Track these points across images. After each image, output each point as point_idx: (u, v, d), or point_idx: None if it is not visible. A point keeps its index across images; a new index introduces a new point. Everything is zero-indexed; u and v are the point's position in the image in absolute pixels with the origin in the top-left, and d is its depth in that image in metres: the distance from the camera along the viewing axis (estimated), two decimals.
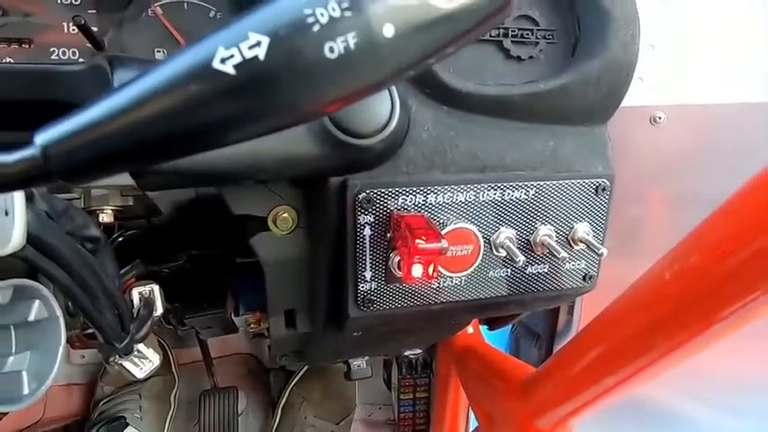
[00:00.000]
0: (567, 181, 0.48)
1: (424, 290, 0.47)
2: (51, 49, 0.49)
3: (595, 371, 0.45)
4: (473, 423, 0.89)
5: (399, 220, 0.43)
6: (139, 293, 0.55)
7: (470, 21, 0.20)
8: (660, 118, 0.64)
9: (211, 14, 0.53)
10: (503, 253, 0.48)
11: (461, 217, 0.46)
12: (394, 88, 0.41)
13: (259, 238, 0.48)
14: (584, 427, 0.52)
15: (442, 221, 0.46)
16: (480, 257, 0.47)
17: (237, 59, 0.19)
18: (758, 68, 0.64)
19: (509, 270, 0.49)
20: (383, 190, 0.43)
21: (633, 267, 0.43)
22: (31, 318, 0.45)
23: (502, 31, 0.48)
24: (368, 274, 0.45)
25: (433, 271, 0.40)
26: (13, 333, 0.45)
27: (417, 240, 0.39)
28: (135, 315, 0.54)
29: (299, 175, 0.45)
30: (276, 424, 1.12)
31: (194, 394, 1.10)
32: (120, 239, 0.65)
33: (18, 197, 0.36)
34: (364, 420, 1.21)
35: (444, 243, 0.39)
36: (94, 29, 0.48)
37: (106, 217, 0.55)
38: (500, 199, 0.47)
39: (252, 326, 0.73)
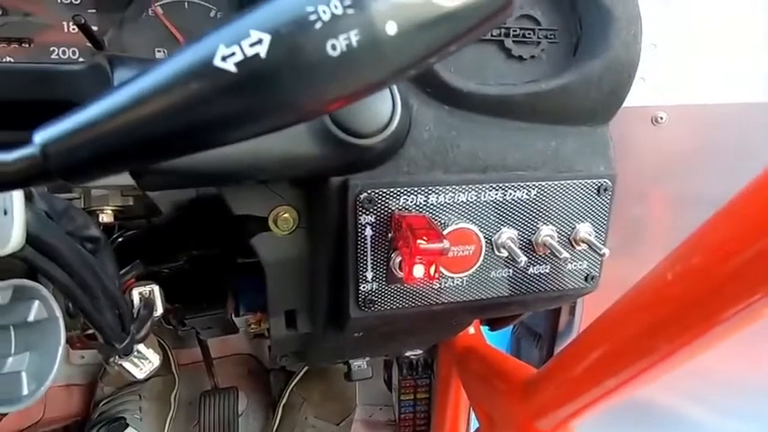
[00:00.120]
0: (568, 181, 0.48)
1: (426, 290, 0.47)
2: (51, 49, 0.49)
3: (597, 372, 0.45)
4: (474, 424, 0.89)
5: (401, 221, 0.42)
6: (139, 294, 0.55)
7: (473, 19, 0.20)
8: (662, 118, 0.64)
9: (212, 14, 0.52)
10: (504, 253, 0.47)
11: (463, 217, 0.46)
12: (395, 88, 0.41)
13: (260, 239, 0.47)
14: (585, 428, 0.52)
15: (443, 222, 0.45)
16: (482, 258, 0.47)
17: (239, 57, 0.18)
18: (760, 69, 0.64)
19: (510, 270, 0.49)
20: (384, 190, 0.43)
21: (635, 268, 0.43)
22: (31, 318, 0.44)
23: (503, 30, 0.48)
24: (369, 275, 0.45)
25: (435, 271, 0.40)
26: (12, 333, 0.45)
27: (419, 241, 0.38)
28: (135, 315, 0.54)
29: (299, 175, 0.45)
30: (276, 424, 1.12)
31: (194, 395, 1.10)
32: (121, 240, 0.65)
33: (17, 197, 0.35)
34: (365, 421, 1.21)
35: (446, 243, 0.39)
36: (95, 28, 0.48)
37: (106, 217, 0.55)
38: (501, 199, 0.47)
39: (252, 326, 0.73)
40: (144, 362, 0.56)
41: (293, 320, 0.54)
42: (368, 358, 0.72)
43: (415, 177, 0.44)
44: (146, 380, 0.58)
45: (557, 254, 0.47)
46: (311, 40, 0.18)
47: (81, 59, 0.50)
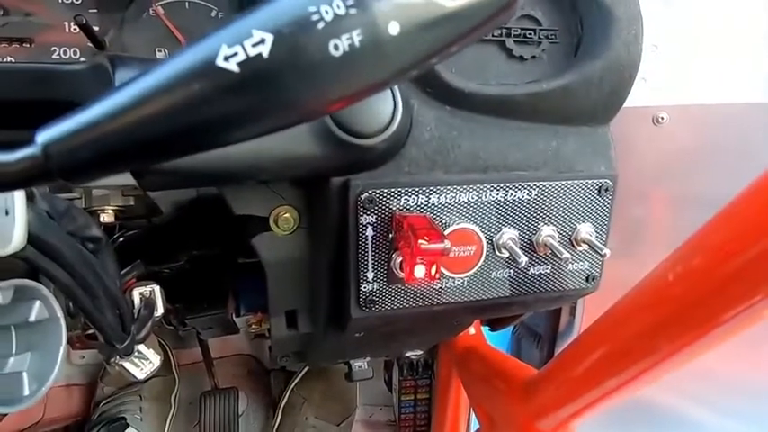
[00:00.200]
0: (569, 181, 0.48)
1: (427, 291, 0.47)
2: (52, 49, 0.49)
3: (597, 373, 0.45)
4: (474, 424, 0.89)
5: (402, 221, 0.42)
6: (140, 294, 0.55)
7: (475, 19, 0.20)
8: (663, 118, 0.64)
9: (213, 14, 0.53)
10: (505, 254, 0.47)
11: (464, 217, 0.46)
12: (396, 88, 0.41)
13: (260, 239, 0.47)
14: (585, 428, 0.52)
15: (444, 222, 0.45)
16: (483, 258, 0.47)
17: (241, 57, 0.18)
18: (760, 69, 0.64)
19: (511, 271, 0.49)
20: (385, 190, 0.43)
21: (636, 268, 0.43)
22: (32, 318, 0.44)
23: (504, 30, 0.48)
24: (370, 275, 0.45)
25: (436, 272, 0.40)
26: (13, 334, 0.45)
27: (420, 241, 0.38)
28: (136, 316, 0.54)
29: (300, 175, 0.45)
30: (277, 425, 1.12)
31: (195, 395, 1.10)
32: (121, 239, 0.65)
33: (19, 197, 0.35)
34: (365, 421, 1.21)
35: (447, 244, 0.39)
36: (96, 28, 0.48)
37: (107, 217, 0.55)
38: (503, 199, 0.47)
39: (253, 326, 0.73)
40: (144, 362, 0.56)
41: (294, 320, 0.54)
42: (368, 358, 0.72)
43: (416, 177, 0.44)
44: (146, 380, 0.58)
45: (557, 254, 0.47)
46: (314, 40, 0.18)
47: (82, 59, 0.50)
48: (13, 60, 0.48)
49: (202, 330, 0.85)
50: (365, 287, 0.45)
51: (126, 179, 0.36)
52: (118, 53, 0.48)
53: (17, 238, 0.35)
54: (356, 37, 0.18)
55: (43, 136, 0.21)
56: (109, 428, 0.99)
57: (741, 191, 0.33)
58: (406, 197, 0.44)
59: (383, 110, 0.40)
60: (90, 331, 0.53)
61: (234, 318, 0.74)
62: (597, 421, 0.49)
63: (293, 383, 1.14)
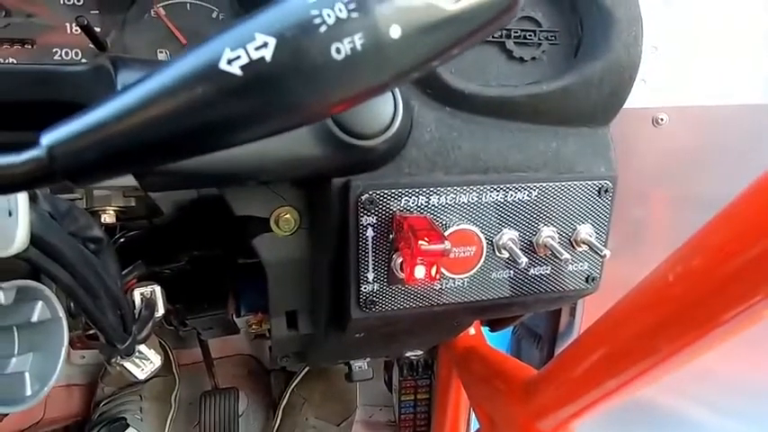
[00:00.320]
0: (569, 182, 0.48)
1: (427, 291, 0.47)
2: (54, 50, 0.49)
3: (598, 373, 0.45)
4: (474, 425, 0.89)
5: (402, 222, 0.43)
6: (141, 294, 0.55)
7: (476, 22, 0.20)
8: (663, 119, 0.64)
9: (214, 15, 0.53)
10: (505, 254, 0.48)
11: (464, 218, 0.46)
12: (397, 89, 0.41)
13: (261, 239, 0.47)
14: (585, 429, 0.52)
15: (444, 223, 0.46)
16: (483, 259, 0.47)
17: (244, 60, 0.19)
18: (760, 70, 0.64)
19: (511, 272, 0.49)
20: (386, 191, 0.43)
21: (636, 269, 0.43)
22: (34, 319, 0.45)
23: (504, 32, 0.48)
24: (370, 276, 0.45)
25: (436, 272, 0.40)
26: (16, 334, 0.45)
27: (420, 242, 0.38)
28: (137, 316, 0.54)
29: (301, 176, 0.45)
30: (277, 425, 1.12)
31: (195, 395, 1.10)
32: (122, 240, 0.65)
33: (22, 198, 0.36)
34: (365, 422, 1.21)
35: (447, 244, 0.39)
36: (97, 29, 0.48)
37: (108, 218, 0.55)
38: (503, 200, 0.47)
39: (253, 327, 0.74)
40: (145, 362, 0.57)
41: (294, 321, 0.54)
42: (368, 359, 0.72)
43: (416, 178, 0.45)
44: (146, 380, 0.58)
45: (557, 255, 0.47)
46: (316, 44, 0.18)
47: (84, 61, 0.50)
48: (15, 61, 0.49)
49: (203, 331, 0.85)
50: (365, 288, 0.45)
51: (127, 180, 0.36)
52: (119, 54, 0.48)
53: (20, 239, 0.35)
54: (358, 40, 0.19)
55: (48, 138, 0.21)
56: (109, 428, 0.99)
57: (741, 192, 0.33)
58: (407, 198, 0.44)
59: (384, 111, 0.40)
60: (91, 331, 0.53)
61: (234, 318, 0.74)
62: (597, 422, 0.49)
63: (293, 384, 1.14)
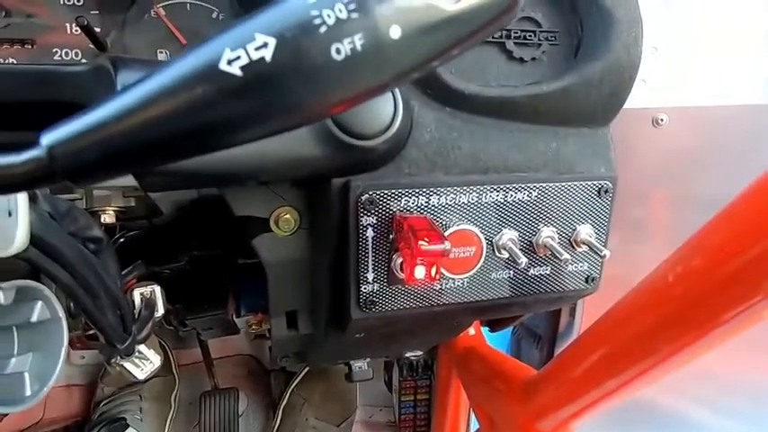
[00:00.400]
0: (569, 183, 0.48)
1: (427, 291, 0.47)
2: (54, 50, 0.49)
3: (597, 373, 0.45)
4: (474, 425, 0.89)
5: (402, 222, 0.43)
6: (141, 294, 0.55)
7: (476, 23, 0.20)
8: (663, 120, 0.64)
9: (214, 15, 0.53)
10: (505, 255, 0.48)
11: (464, 218, 0.46)
12: (397, 90, 0.41)
13: (261, 240, 0.47)
14: (585, 429, 0.52)
15: (444, 223, 0.46)
16: (483, 259, 0.47)
17: (244, 61, 0.19)
18: (760, 70, 0.64)
19: (511, 272, 0.49)
20: (386, 191, 0.43)
21: (635, 269, 0.43)
22: (34, 319, 0.45)
23: (504, 32, 0.48)
24: (370, 276, 0.45)
25: (436, 273, 0.40)
26: (15, 334, 0.45)
27: (420, 242, 0.38)
28: (136, 316, 0.54)
29: (301, 176, 0.45)
30: (277, 425, 1.12)
31: (195, 395, 1.10)
32: (122, 240, 0.65)
33: (21, 198, 0.36)
34: (365, 422, 1.21)
35: (447, 245, 0.39)
36: (97, 30, 0.48)
37: (108, 218, 0.55)
38: (503, 200, 0.47)
39: (253, 327, 0.74)
40: (145, 362, 0.57)
41: (294, 321, 0.54)
42: (368, 359, 0.72)
43: (416, 179, 0.45)
44: (146, 380, 0.58)
45: (557, 255, 0.47)
46: (316, 44, 0.18)
47: (84, 61, 0.50)
48: (15, 62, 0.49)
49: (203, 331, 0.85)
50: (365, 288, 0.45)
51: (127, 180, 0.36)
52: (119, 54, 0.48)
53: (20, 239, 0.35)
54: (358, 41, 0.19)
55: (48, 138, 0.21)
56: (109, 429, 0.99)
57: (741, 192, 0.33)
58: (407, 198, 0.44)
59: (384, 111, 0.40)
60: (91, 332, 0.53)
61: (234, 318, 0.74)
62: (597, 422, 0.49)
63: (293, 384, 1.14)
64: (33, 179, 0.21)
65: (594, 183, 0.49)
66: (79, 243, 0.44)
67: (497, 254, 0.48)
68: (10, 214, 0.35)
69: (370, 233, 0.44)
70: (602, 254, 0.48)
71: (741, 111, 0.65)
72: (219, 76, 0.19)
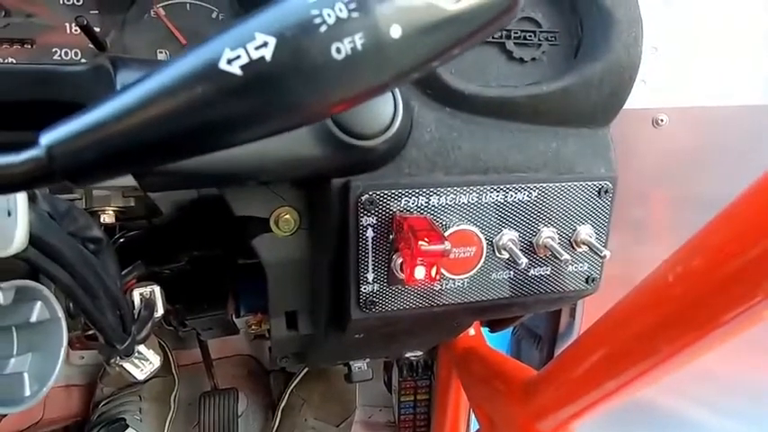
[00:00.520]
0: (569, 183, 0.48)
1: (427, 292, 0.47)
2: (53, 50, 0.49)
3: (597, 374, 0.45)
4: (474, 425, 0.89)
5: (402, 222, 0.42)
6: (140, 294, 0.55)
7: (477, 22, 0.20)
8: (663, 120, 0.64)
9: (213, 15, 0.53)
10: (505, 255, 0.48)
11: (464, 219, 0.46)
12: (397, 90, 0.41)
13: (261, 240, 0.47)
14: (585, 430, 0.52)
15: (444, 223, 0.46)
16: (483, 259, 0.47)
17: (244, 60, 0.19)
18: (760, 71, 0.64)
19: (511, 272, 0.49)
20: (386, 191, 0.43)
21: (635, 270, 0.43)
22: (33, 319, 0.45)
23: (504, 32, 0.48)
24: (370, 276, 0.45)
25: (436, 273, 0.40)
26: (14, 334, 0.45)
27: (420, 242, 0.38)
28: (136, 316, 0.54)
29: (301, 176, 0.45)
30: (276, 426, 1.12)
31: (194, 396, 1.09)
32: (122, 240, 0.65)
33: (21, 198, 0.36)
34: (364, 422, 1.21)
35: (447, 245, 0.39)
36: (97, 29, 0.48)
37: (107, 218, 0.55)
38: (503, 201, 0.47)
39: (253, 327, 0.73)
40: (144, 363, 0.57)
41: (294, 322, 0.54)
42: (368, 360, 0.72)
43: (416, 179, 0.45)
44: (146, 381, 0.58)
45: (557, 256, 0.47)
46: (316, 44, 0.18)
47: (83, 61, 0.50)
48: (15, 61, 0.48)
49: (202, 331, 0.85)
50: (365, 288, 0.45)
51: (127, 180, 0.36)
52: (119, 54, 0.48)
53: (19, 239, 0.35)
54: (358, 40, 0.18)
55: (47, 138, 0.21)
56: (108, 429, 0.98)
57: (741, 192, 0.33)
58: (407, 198, 0.44)
59: (384, 111, 0.40)
60: (90, 332, 0.53)
61: (234, 319, 0.74)
62: (597, 422, 0.49)
63: (293, 384, 1.14)
64: (32, 179, 0.21)
65: (594, 183, 0.49)
66: (79, 243, 0.44)
67: (497, 254, 0.48)
68: (9, 214, 0.35)
69: (370, 233, 0.44)
70: (602, 254, 0.48)
71: (741, 111, 0.65)
72: (219, 75, 0.19)
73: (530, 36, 0.49)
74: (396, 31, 0.19)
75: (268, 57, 0.19)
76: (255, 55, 0.19)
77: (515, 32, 0.48)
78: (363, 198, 0.43)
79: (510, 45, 0.48)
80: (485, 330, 0.80)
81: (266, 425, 1.17)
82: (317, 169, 0.42)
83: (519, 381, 0.58)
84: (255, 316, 0.72)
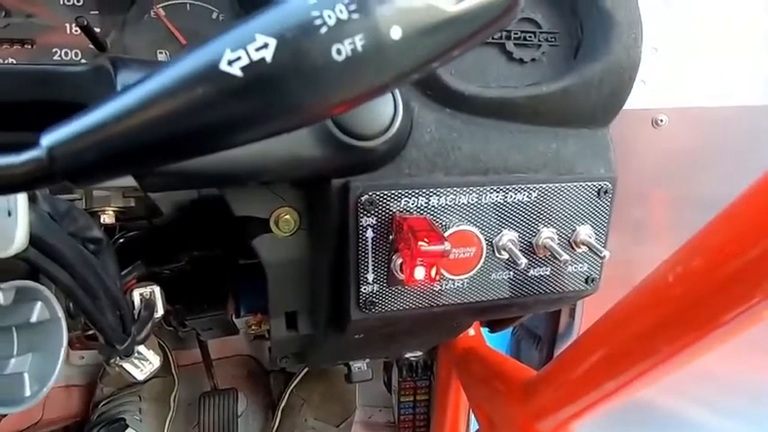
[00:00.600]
0: (569, 183, 0.48)
1: (426, 292, 0.47)
2: (54, 50, 0.49)
3: (597, 374, 0.45)
4: (474, 425, 0.89)
5: (402, 223, 0.43)
6: (140, 295, 0.55)
7: (477, 23, 0.20)
8: (662, 120, 0.64)
9: (214, 16, 0.53)
10: (505, 255, 0.48)
11: (464, 219, 0.46)
12: (397, 90, 0.41)
13: (261, 240, 0.47)
14: (585, 430, 0.52)
15: (444, 224, 0.46)
16: (482, 260, 0.47)
17: (245, 61, 0.19)
18: (760, 71, 0.64)
19: (511, 273, 0.49)
20: (385, 192, 0.43)
21: (635, 270, 0.43)
22: (33, 319, 0.45)
23: (504, 33, 0.48)
24: (370, 277, 0.45)
25: (436, 273, 0.40)
26: (15, 335, 0.45)
27: (420, 243, 0.38)
28: (136, 316, 0.54)
29: (301, 177, 0.45)
30: (276, 426, 1.12)
31: (194, 396, 1.09)
32: (122, 240, 0.65)
33: (21, 198, 0.36)
34: (364, 422, 1.21)
35: (447, 245, 0.39)
36: (97, 30, 0.48)
37: (108, 218, 0.55)
38: (502, 201, 0.47)
39: (253, 327, 0.73)
40: (144, 363, 0.57)
41: (294, 322, 0.54)
42: (368, 360, 0.72)
43: (416, 179, 0.45)
44: (145, 381, 0.58)
45: (557, 256, 0.47)
46: (317, 45, 0.18)
47: (83, 61, 0.50)
48: (15, 61, 0.49)
49: (202, 331, 0.85)
50: (365, 289, 0.45)
51: (127, 180, 0.36)
52: (119, 55, 0.48)
53: (19, 240, 0.35)
54: (359, 42, 0.18)
55: (48, 139, 0.21)
56: (108, 429, 0.98)
57: (741, 193, 0.33)
58: (407, 199, 0.44)
59: (384, 112, 0.40)
60: (90, 332, 0.53)
61: (234, 319, 0.74)
62: (597, 423, 0.49)
63: (293, 385, 1.14)
64: (33, 180, 0.21)
65: (594, 183, 0.49)
66: (79, 243, 0.44)
67: (497, 254, 0.48)
68: (9, 214, 0.35)
69: (369, 234, 0.44)
70: (601, 255, 0.48)
71: (741, 111, 0.65)
72: (220, 76, 0.19)
73: (530, 37, 0.49)
74: (396, 33, 0.19)
75: (268, 58, 0.19)
76: (256, 56, 0.19)
77: (515, 33, 0.48)
78: (363, 198, 0.43)
79: (510, 46, 0.48)
80: (484, 330, 0.80)
81: (266, 425, 1.17)
82: (317, 170, 0.42)
83: (519, 381, 0.58)
84: (255, 316, 0.72)
